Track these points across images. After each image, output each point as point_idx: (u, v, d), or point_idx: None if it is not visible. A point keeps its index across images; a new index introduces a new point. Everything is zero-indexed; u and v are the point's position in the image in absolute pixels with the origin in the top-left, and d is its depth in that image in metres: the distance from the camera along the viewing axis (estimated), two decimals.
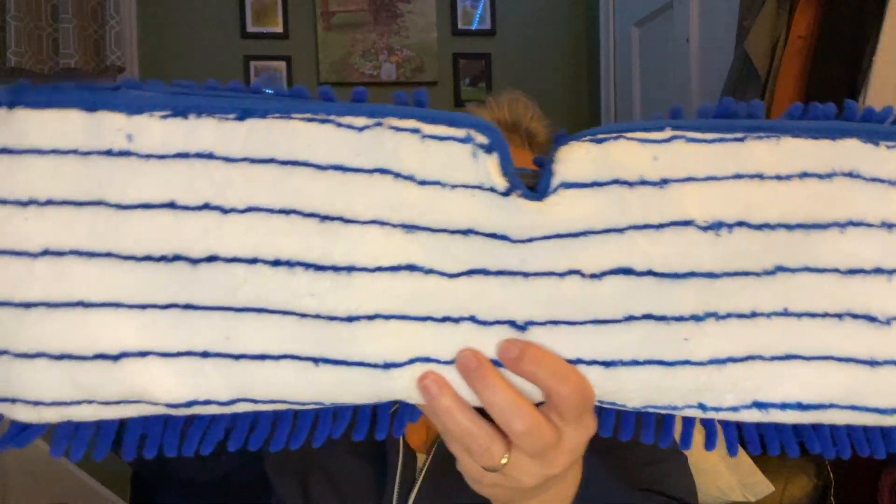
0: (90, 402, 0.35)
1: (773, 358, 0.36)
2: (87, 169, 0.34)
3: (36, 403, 0.35)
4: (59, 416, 0.35)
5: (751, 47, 1.52)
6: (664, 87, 2.24)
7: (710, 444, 0.38)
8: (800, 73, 1.43)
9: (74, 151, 0.34)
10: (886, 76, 1.22)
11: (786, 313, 0.36)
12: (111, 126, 0.34)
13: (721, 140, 0.36)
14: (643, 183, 0.35)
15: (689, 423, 0.38)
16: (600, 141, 0.36)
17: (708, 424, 0.38)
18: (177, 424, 0.36)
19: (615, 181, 0.35)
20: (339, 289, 0.35)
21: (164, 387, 0.35)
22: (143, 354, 0.35)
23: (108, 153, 0.34)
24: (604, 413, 0.39)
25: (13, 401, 0.35)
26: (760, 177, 0.36)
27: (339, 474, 0.75)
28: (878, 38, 1.23)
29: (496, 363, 0.36)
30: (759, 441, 0.38)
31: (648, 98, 2.39)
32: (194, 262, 0.34)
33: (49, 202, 0.34)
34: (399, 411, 0.38)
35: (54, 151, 0.34)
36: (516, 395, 0.36)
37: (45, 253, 0.34)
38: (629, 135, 0.36)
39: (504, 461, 0.37)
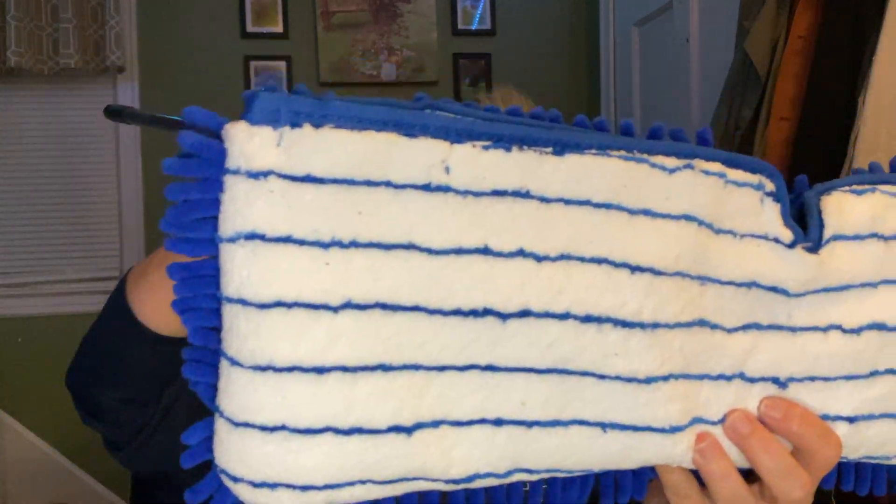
0: (366, 482, 0.30)
1: None
2: (400, 205, 0.28)
3: (305, 488, 0.30)
4: (325, 501, 0.30)
5: (751, 47, 1.52)
6: (664, 87, 2.24)
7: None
8: (800, 73, 1.43)
9: (388, 184, 0.28)
10: (886, 76, 1.22)
11: None
12: (433, 155, 0.28)
13: None
14: None
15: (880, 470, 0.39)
16: (860, 193, 0.35)
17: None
18: (433, 499, 0.33)
19: (873, 235, 0.35)
20: (645, 348, 0.32)
21: (451, 460, 0.31)
22: (437, 424, 0.30)
23: (426, 188, 0.28)
24: (858, 468, 0.39)
25: (274, 486, 0.29)
26: None
27: None
28: (878, 38, 1.23)
29: None
30: None
31: (648, 98, 2.39)
32: (505, 317, 0.30)
33: (353, 244, 0.28)
34: (641, 473, 0.36)
35: (367, 183, 0.28)
36: (793, 460, 0.36)
37: (348, 306, 0.28)
38: (883, 188, 0.36)
39: None
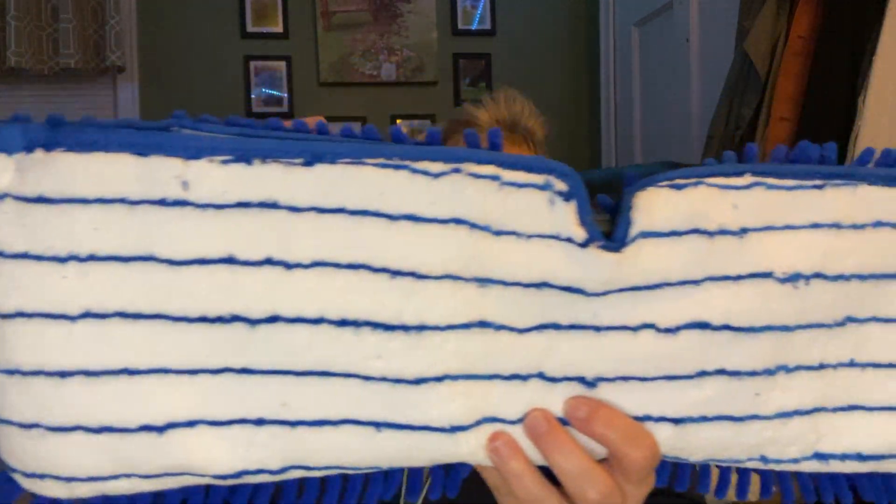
0: (129, 476, 0.32)
1: (837, 409, 0.36)
2: (137, 220, 0.30)
3: (69, 480, 0.32)
4: (93, 492, 0.32)
5: (751, 47, 1.52)
6: (664, 86, 2.24)
7: (765, 493, 0.38)
8: (800, 73, 1.43)
9: (122, 200, 0.30)
10: (886, 76, 1.22)
11: (851, 364, 0.36)
12: (167, 172, 0.30)
13: (800, 187, 0.34)
14: (722, 233, 0.33)
15: (745, 473, 0.38)
16: (680, 187, 0.33)
17: (765, 475, 0.38)
18: (220, 492, 0.34)
19: (694, 230, 0.33)
20: (409, 350, 0.32)
21: (213, 458, 0.32)
22: (192, 424, 0.32)
23: (162, 203, 0.30)
24: (661, 464, 0.37)
25: (42, 476, 0.32)
26: (837, 226, 0.34)
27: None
28: (878, 38, 1.23)
29: (562, 421, 0.35)
30: (815, 490, 0.38)
31: (648, 98, 2.39)
32: (253, 322, 0.31)
33: (91, 258, 0.30)
34: (453, 470, 0.36)
35: (99, 201, 0.30)
36: (590, 461, 0.35)
37: (86, 315, 0.31)
38: (709, 180, 0.34)
39: None
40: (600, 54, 2.65)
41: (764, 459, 0.36)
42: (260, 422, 0.32)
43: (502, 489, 0.37)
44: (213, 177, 0.30)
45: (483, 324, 0.33)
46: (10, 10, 2.22)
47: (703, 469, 0.38)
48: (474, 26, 2.70)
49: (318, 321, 0.32)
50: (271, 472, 0.33)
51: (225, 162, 0.30)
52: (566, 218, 0.33)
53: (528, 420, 0.34)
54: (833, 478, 0.37)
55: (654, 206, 0.33)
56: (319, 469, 0.34)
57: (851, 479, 0.38)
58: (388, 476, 0.36)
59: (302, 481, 0.35)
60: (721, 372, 0.34)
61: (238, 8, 2.57)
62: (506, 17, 2.72)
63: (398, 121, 2.61)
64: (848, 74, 1.30)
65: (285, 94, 2.59)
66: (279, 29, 2.58)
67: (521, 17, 2.73)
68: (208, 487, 0.34)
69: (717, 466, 0.38)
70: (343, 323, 0.32)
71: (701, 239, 0.33)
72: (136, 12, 2.49)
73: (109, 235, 0.30)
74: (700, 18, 2.03)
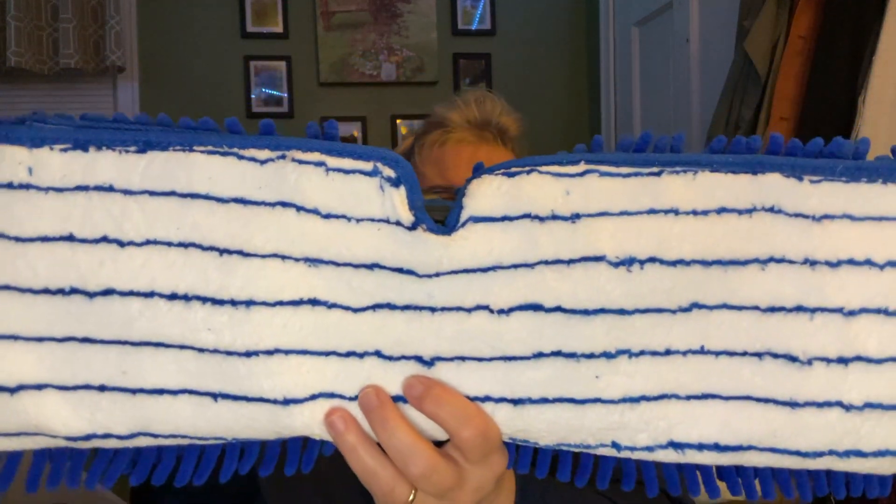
0: None
1: (690, 397, 0.35)
2: None
3: None
4: None
5: (751, 47, 1.52)
6: (664, 86, 2.24)
7: (626, 484, 0.37)
8: (800, 73, 1.43)
9: None
10: (886, 76, 1.22)
11: (702, 351, 0.35)
12: (13, 159, 0.34)
13: (637, 174, 0.35)
14: (554, 218, 0.35)
15: (606, 461, 0.37)
16: (513, 174, 0.35)
17: (626, 464, 0.37)
18: (81, 457, 0.36)
19: (526, 216, 0.35)
20: (236, 323, 0.34)
21: (61, 420, 0.35)
22: (41, 387, 0.35)
23: (9, 186, 0.34)
24: (521, 450, 0.38)
25: None
26: (675, 212, 0.35)
27: (331, 479, 0.74)
28: (878, 38, 1.23)
29: (402, 399, 0.36)
30: (680, 482, 0.37)
31: (648, 98, 2.39)
32: (91, 295, 0.34)
33: None
34: (308, 446, 0.37)
35: None
36: (415, 437, 0.35)
37: None
38: (542, 168, 0.35)
39: (411, 499, 0.37)
40: (600, 54, 2.65)
41: (616, 446, 0.36)
42: (102, 388, 0.35)
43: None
44: (53, 163, 0.34)
45: (314, 301, 0.35)
46: (10, 10, 2.22)
47: (562, 454, 0.38)
48: (474, 26, 2.70)
49: (149, 294, 0.34)
50: (119, 437, 0.35)
51: (64, 150, 0.34)
52: (395, 203, 0.34)
53: (360, 396, 0.35)
54: (702, 469, 0.37)
55: (484, 192, 0.35)
56: (165, 437, 0.36)
57: (722, 473, 0.37)
58: (245, 449, 0.37)
59: (159, 453, 0.37)
60: (558, 353, 0.35)
61: (238, 8, 2.57)
62: (506, 17, 2.72)
63: (398, 121, 2.61)
64: (848, 74, 1.30)
65: (285, 94, 2.59)
66: (279, 29, 2.58)
67: (521, 17, 2.73)
68: (71, 452, 0.36)
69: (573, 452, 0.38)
70: (173, 297, 0.34)
71: (533, 224, 0.35)
72: (136, 12, 2.49)
73: None
74: (700, 18, 2.03)
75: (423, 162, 0.83)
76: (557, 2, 2.76)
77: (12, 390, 0.34)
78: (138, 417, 0.35)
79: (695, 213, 0.35)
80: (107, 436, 0.35)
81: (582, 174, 0.35)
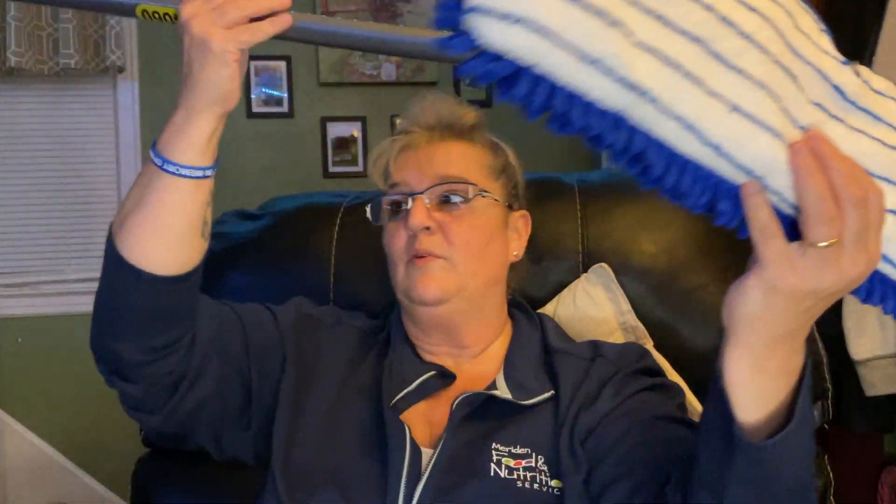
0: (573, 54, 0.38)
1: None
2: None
3: (540, 29, 0.37)
4: (530, 50, 0.38)
5: None
6: None
7: None
8: None
9: None
10: (886, 76, 1.22)
11: None
12: None
13: None
14: None
15: None
16: None
17: None
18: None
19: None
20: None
21: (642, 66, 0.40)
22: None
23: None
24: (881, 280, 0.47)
25: (515, 20, 0.37)
26: None
27: (345, 474, 0.75)
28: (878, 38, 1.24)
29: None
30: None
31: None
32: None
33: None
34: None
35: None
36: (829, 194, 0.42)
37: None
38: None
39: (833, 241, 0.42)
40: None
41: None
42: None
43: (768, 231, 0.44)
44: None
45: (788, 72, 0.44)
46: (11, 10, 2.22)
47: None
48: None
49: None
50: (654, 103, 0.42)
51: None
52: (828, 43, 0.49)
53: (808, 134, 0.43)
54: None
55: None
56: (668, 117, 0.41)
57: None
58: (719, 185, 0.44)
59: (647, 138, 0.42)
60: None
61: None
62: None
63: (398, 121, 2.61)
64: None
65: (285, 94, 2.59)
66: None
67: None
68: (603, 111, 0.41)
69: None
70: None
71: None
72: None
73: None
74: None
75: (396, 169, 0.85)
76: None
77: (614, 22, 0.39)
78: (680, 93, 0.41)
79: None
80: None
81: None
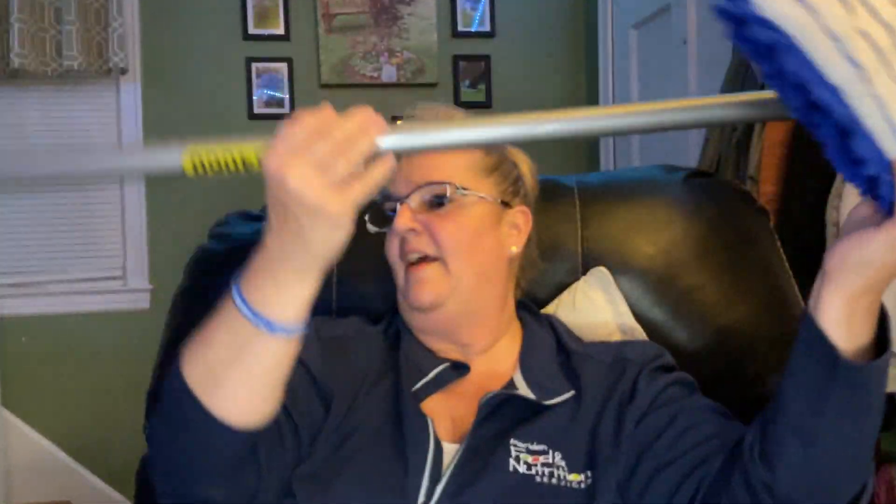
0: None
1: None
2: None
3: None
4: (795, 19, 0.48)
5: None
6: (662, 87, 2.26)
7: None
8: None
9: None
10: None
11: None
12: None
13: None
14: None
15: None
16: None
17: None
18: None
19: None
20: None
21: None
22: None
23: None
24: None
25: None
26: None
27: (367, 472, 0.75)
28: None
29: None
30: None
31: (646, 99, 2.41)
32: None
33: None
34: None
35: None
36: None
37: None
38: None
39: None
40: (598, 56, 2.66)
41: None
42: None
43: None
44: None
45: None
46: (14, 12, 2.23)
47: None
48: (474, 28, 2.72)
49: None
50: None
51: None
52: None
53: None
54: None
55: None
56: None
57: None
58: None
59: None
60: None
61: (240, 10, 2.58)
62: (505, 18, 2.74)
63: (398, 122, 2.62)
64: None
65: (286, 96, 2.61)
66: (280, 31, 2.60)
67: (521, 18, 2.75)
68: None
69: None
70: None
71: None
72: (139, 14, 2.50)
73: None
74: (697, 20, 2.05)
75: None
76: (556, 4, 2.78)
77: None
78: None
79: None
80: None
81: None
